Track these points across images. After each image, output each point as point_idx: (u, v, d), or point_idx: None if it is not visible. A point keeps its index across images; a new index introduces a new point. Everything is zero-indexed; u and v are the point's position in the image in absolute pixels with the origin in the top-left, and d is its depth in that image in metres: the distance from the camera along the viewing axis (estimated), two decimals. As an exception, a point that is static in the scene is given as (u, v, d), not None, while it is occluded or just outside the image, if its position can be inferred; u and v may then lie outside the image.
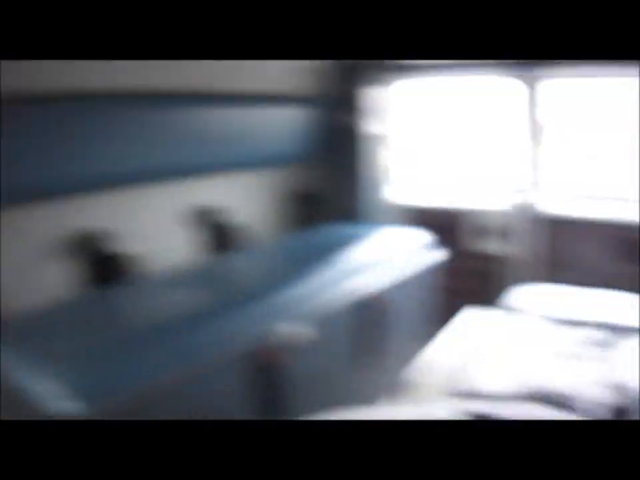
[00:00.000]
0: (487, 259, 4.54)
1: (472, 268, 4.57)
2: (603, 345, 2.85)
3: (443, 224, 4.57)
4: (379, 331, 3.06)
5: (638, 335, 3.06)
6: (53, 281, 2.79)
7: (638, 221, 4.30)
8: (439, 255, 3.77)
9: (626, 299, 3.58)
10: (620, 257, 4.31)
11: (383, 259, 3.23)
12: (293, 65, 3.82)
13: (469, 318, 3.35)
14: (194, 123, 3.26)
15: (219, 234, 3.63)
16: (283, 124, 3.99)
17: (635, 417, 2.28)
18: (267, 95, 3.70)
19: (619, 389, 2.49)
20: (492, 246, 4.52)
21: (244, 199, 3.95)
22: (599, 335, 2.92)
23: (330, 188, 4.41)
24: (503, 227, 4.49)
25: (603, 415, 2.24)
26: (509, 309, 3.40)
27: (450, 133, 5.03)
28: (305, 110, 4.12)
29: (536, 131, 4.33)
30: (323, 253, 3.09)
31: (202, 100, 3.27)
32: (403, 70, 4.49)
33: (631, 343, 2.95)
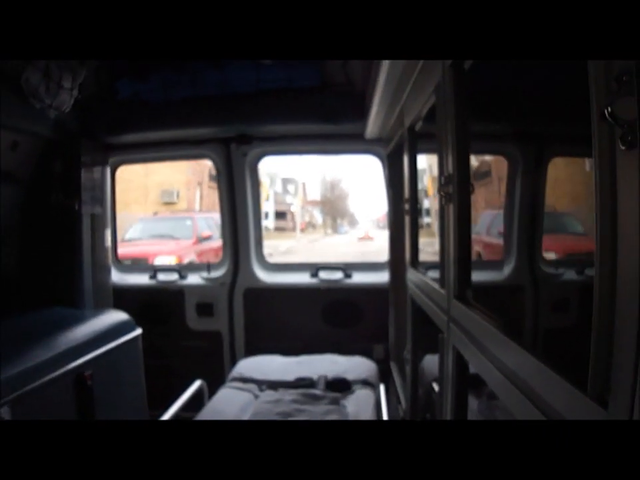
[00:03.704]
0: (209, 334, 4.81)
1: (195, 344, 4.81)
2: (322, 400, 3.30)
3: (162, 302, 4.85)
4: (88, 406, 3.16)
5: (355, 389, 3.52)
6: None
7: (340, 285, 4.80)
8: (138, 333, 3.88)
9: (338, 358, 4.07)
10: (327, 320, 4.69)
11: (92, 340, 3.35)
12: (1, 141, 3.75)
13: (197, 390, 3.68)
14: None
15: None
16: None
17: None
18: None
19: None
20: (210, 322, 4.81)
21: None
22: (318, 392, 3.41)
23: (41, 269, 4.34)
24: (213, 301, 4.80)
25: None
26: (232, 379, 3.70)
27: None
28: (15, 188, 4.11)
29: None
30: (36, 335, 3.15)
31: None
32: (121, 149, 4.74)
33: (352, 395, 3.42)
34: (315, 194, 33.70)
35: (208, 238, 12.08)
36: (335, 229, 32.92)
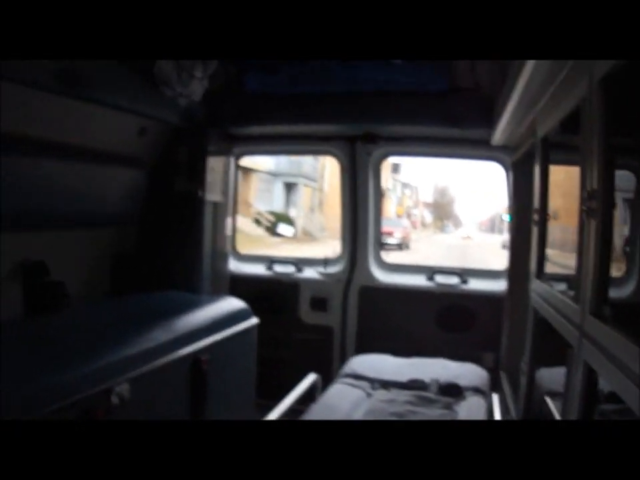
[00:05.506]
0: (320, 329, 4.82)
1: (307, 337, 4.85)
2: (435, 404, 3.27)
3: (276, 294, 4.90)
4: (202, 390, 3.25)
5: (467, 395, 3.44)
6: None
7: (456, 290, 4.73)
8: (254, 322, 3.97)
9: (449, 363, 3.98)
10: (439, 324, 4.63)
11: (211, 325, 3.45)
12: (131, 127, 3.89)
13: (312, 384, 3.65)
14: (24, 172, 3.28)
15: (43, 290, 3.63)
16: (117, 184, 4.07)
17: None
18: (104, 153, 3.77)
19: None
20: (323, 317, 4.83)
21: (71, 256, 3.97)
22: (432, 395, 3.38)
23: (162, 252, 4.48)
24: (328, 297, 4.82)
25: None
26: (345, 375, 3.67)
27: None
28: (141, 172, 4.26)
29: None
30: (156, 317, 3.26)
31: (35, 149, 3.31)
32: (245, 140, 4.84)
33: (464, 402, 3.35)
34: (426, 197, 39.21)
35: (407, 227, 26.04)
36: (442, 229, 38.01)
